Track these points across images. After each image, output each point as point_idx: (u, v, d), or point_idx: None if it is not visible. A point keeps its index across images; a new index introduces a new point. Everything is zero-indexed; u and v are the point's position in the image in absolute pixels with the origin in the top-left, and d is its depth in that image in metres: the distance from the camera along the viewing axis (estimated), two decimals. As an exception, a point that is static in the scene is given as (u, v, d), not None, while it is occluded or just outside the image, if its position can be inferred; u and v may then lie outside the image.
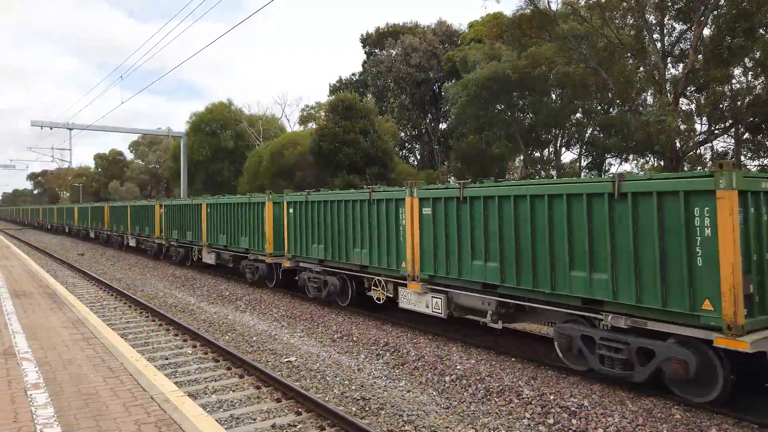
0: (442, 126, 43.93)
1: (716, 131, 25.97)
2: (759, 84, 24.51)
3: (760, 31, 22.29)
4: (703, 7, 22.66)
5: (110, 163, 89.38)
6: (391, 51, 43.47)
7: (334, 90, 48.47)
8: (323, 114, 40.12)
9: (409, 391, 8.30)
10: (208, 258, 21.52)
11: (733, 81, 25.61)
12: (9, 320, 10.00)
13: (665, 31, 25.26)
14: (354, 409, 7.55)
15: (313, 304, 14.89)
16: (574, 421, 6.99)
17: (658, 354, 7.36)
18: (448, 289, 10.60)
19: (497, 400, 7.82)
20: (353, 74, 49.79)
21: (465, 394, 8.13)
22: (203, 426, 5.17)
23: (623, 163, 32.92)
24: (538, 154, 36.75)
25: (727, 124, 25.59)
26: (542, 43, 27.65)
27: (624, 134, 28.79)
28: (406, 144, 48.09)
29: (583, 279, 8.14)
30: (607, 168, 33.17)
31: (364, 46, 49.12)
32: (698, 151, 27.87)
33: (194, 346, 10.93)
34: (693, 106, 26.36)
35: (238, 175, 45.00)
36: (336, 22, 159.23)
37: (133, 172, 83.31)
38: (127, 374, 6.82)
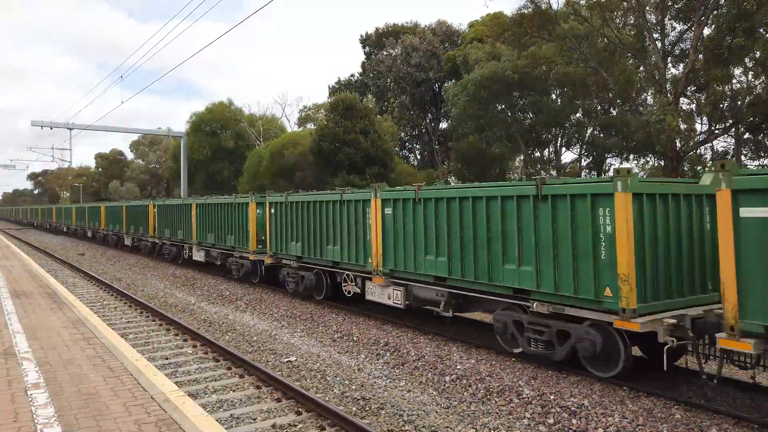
0: (443, 126, 43.92)
1: (716, 131, 25.97)
2: (759, 84, 24.50)
3: (760, 30, 22.28)
4: (703, 7, 22.66)
5: (111, 162, 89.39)
6: (392, 51, 43.45)
7: (333, 92, 48.45)
8: (323, 114, 40.13)
9: (409, 391, 8.30)
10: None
11: (734, 81, 25.63)
12: (9, 320, 10.00)
13: (665, 30, 25.27)
14: (354, 408, 7.55)
15: (313, 304, 14.91)
16: (574, 421, 6.99)
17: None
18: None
19: (497, 399, 7.83)
20: (351, 75, 49.79)
21: (465, 393, 8.13)
22: (203, 426, 5.16)
23: (623, 162, 32.89)
24: (538, 154, 36.74)
25: (728, 124, 25.59)
26: (542, 42, 27.63)
27: (624, 134, 28.79)
28: (407, 144, 48.08)
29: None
30: (607, 168, 33.15)
31: (363, 47, 49.10)
32: (698, 151, 27.89)
33: (194, 346, 10.93)
34: (693, 106, 26.38)
35: (239, 175, 44.98)
36: (336, 22, 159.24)
37: (133, 172, 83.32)
38: (127, 374, 6.82)
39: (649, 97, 28.46)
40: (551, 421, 7.07)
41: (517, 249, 9.11)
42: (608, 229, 7.86)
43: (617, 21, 26.16)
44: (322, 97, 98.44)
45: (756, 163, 26.59)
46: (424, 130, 45.21)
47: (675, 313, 7.74)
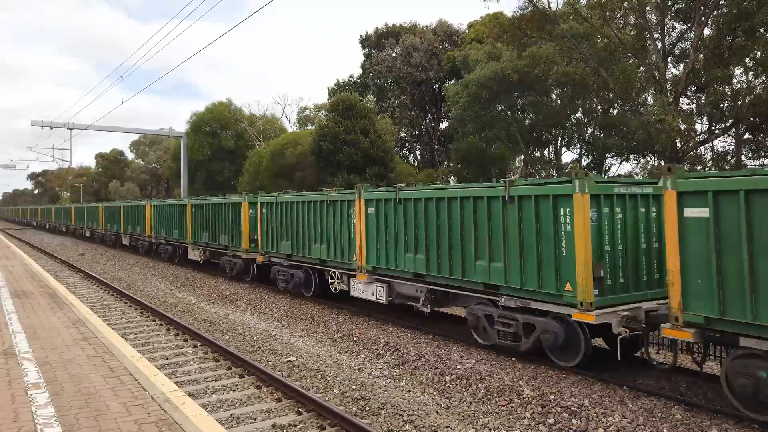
0: (443, 126, 43.89)
1: (717, 131, 25.97)
2: (759, 84, 24.50)
3: (761, 30, 22.27)
4: (703, 7, 22.65)
5: (111, 162, 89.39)
6: (392, 51, 43.41)
7: (332, 93, 48.39)
8: (323, 114, 40.10)
9: (409, 391, 8.30)
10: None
11: (734, 81, 25.60)
12: (9, 320, 10.00)
13: (666, 30, 25.26)
14: (354, 408, 7.55)
15: (313, 303, 14.91)
16: (574, 421, 6.99)
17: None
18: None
19: (497, 399, 7.83)
20: (350, 76, 49.71)
21: (465, 393, 8.14)
22: (204, 426, 5.16)
23: (624, 162, 32.90)
24: (538, 154, 36.71)
25: (728, 124, 25.59)
26: (542, 42, 27.61)
27: (624, 134, 28.76)
28: (407, 144, 48.04)
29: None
30: (607, 168, 33.13)
31: (363, 47, 49.03)
32: (699, 151, 27.88)
33: (195, 346, 10.93)
34: (693, 106, 26.37)
35: (239, 175, 44.97)
36: (336, 22, 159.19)
37: (133, 172, 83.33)
38: (127, 374, 6.81)
39: (649, 97, 28.42)
40: (551, 421, 7.07)
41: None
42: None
43: (617, 21, 26.14)
44: (322, 97, 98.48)
45: (756, 163, 26.59)
46: (424, 130, 45.18)
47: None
